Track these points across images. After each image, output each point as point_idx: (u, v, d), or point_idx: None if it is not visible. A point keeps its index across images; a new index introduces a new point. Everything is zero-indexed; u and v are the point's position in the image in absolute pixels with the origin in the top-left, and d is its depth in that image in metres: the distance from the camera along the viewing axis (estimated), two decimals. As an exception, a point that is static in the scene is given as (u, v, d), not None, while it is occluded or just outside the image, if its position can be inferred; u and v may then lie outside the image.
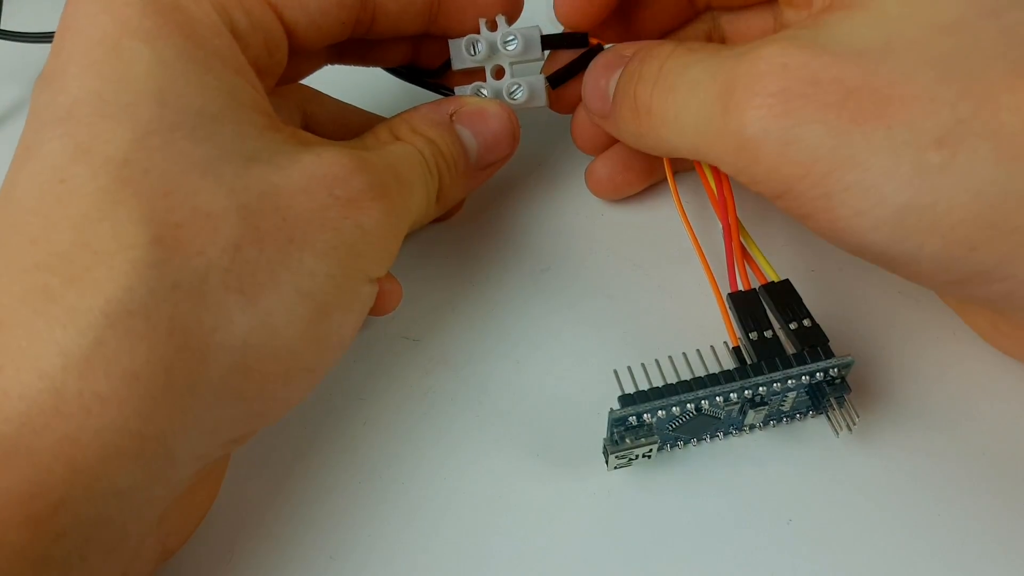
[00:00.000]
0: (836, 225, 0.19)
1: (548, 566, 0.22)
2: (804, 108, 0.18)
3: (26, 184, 0.17)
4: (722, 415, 0.22)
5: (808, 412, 0.23)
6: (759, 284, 0.23)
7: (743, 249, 0.23)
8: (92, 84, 0.18)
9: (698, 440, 0.23)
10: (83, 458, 0.16)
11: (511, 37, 0.25)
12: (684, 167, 0.27)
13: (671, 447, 0.23)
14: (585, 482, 0.23)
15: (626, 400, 0.21)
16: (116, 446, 0.16)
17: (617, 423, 0.21)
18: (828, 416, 0.22)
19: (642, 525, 0.22)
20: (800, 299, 0.22)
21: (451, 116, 0.24)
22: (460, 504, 0.23)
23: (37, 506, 0.16)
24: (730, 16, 0.26)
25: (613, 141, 0.27)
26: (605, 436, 0.21)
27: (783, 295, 0.22)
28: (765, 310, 0.22)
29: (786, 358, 0.21)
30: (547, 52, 0.26)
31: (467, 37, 0.25)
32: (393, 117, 0.24)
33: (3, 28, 0.32)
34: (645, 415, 0.21)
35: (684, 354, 0.22)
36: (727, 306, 0.22)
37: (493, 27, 0.25)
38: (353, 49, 0.26)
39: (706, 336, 0.23)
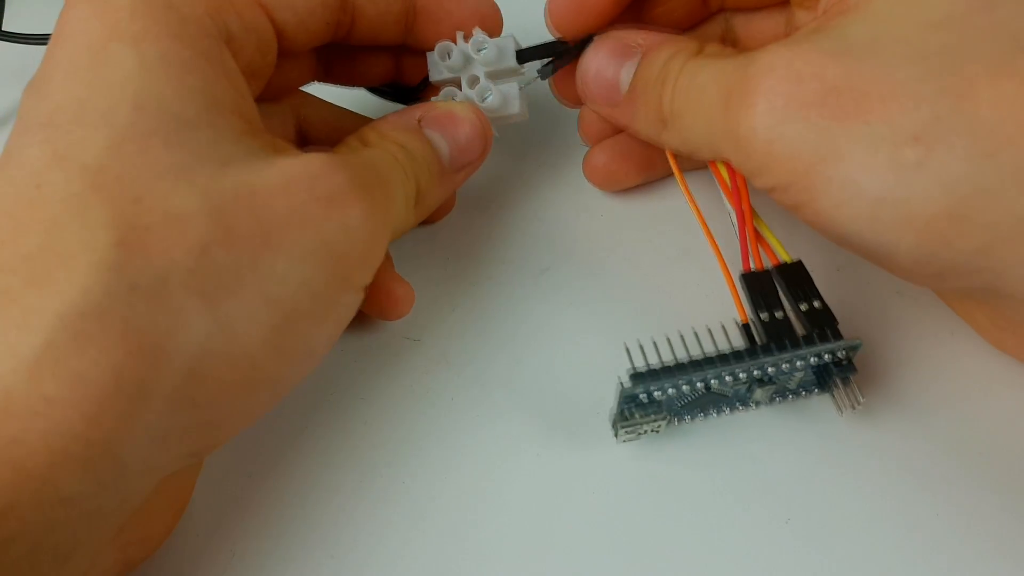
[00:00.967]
0: (820, 216, 0.20)
1: (548, 566, 0.22)
2: (787, 106, 0.19)
3: (3, 188, 0.17)
4: (730, 392, 0.22)
5: (813, 389, 0.23)
6: (772, 265, 0.23)
7: (756, 233, 0.23)
8: (74, 90, 0.18)
9: (704, 415, 0.23)
10: (30, 462, 0.15)
11: (484, 45, 0.25)
12: (688, 164, 0.27)
13: (678, 421, 0.23)
14: (586, 482, 0.23)
15: (636, 377, 0.21)
16: (63, 450, 0.16)
17: (628, 399, 0.21)
18: (833, 395, 0.23)
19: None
20: (811, 280, 0.22)
21: (419, 121, 0.24)
22: (461, 503, 0.23)
23: None
24: (743, 17, 0.26)
25: (620, 133, 0.27)
26: (614, 410, 0.22)
27: (795, 276, 0.22)
28: (777, 290, 0.22)
29: (796, 339, 0.21)
30: (526, 66, 0.26)
31: (442, 44, 0.25)
32: (362, 127, 0.24)
33: (4, 30, 0.31)
34: (655, 392, 0.21)
35: (695, 331, 0.22)
36: (738, 287, 0.23)
37: (469, 38, 0.25)
38: (338, 66, 0.26)
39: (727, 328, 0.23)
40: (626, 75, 0.23)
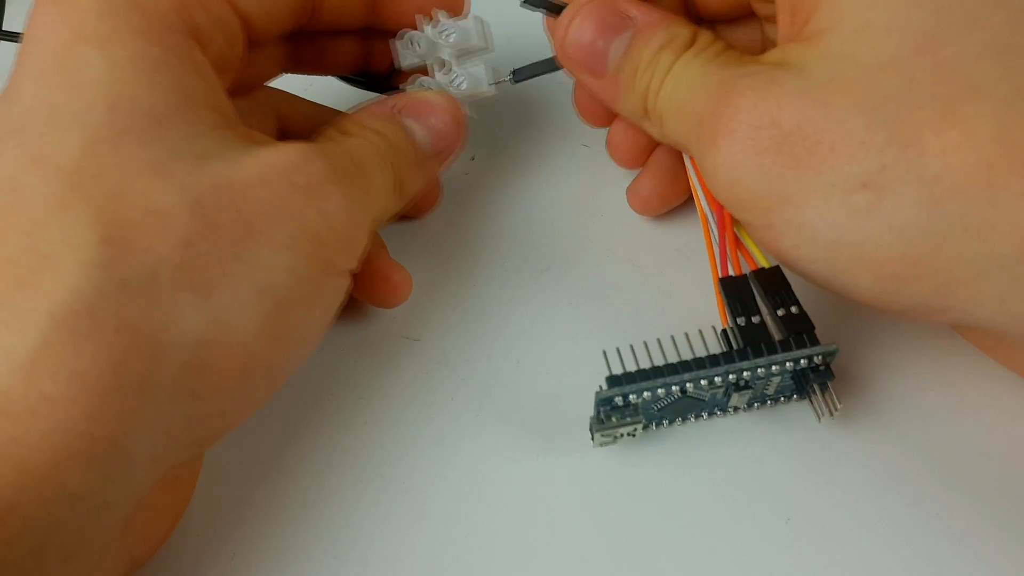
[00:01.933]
0: (781, 256, 0.21)
1: (549, 565, 0.22)
2: (745, 151, 0.19)
3: None
4: (707, 397, 0.22)
5: (792, 396, 0.23)
6: (750, 270, 0.23)
7: (736, 238, 0.23)
8: (45, 94, 0.18)
9: (683, 420, 0.23)
10: (32, 461, 0.16)
11: (449, 30, 0.25)
12: None
13: (656, 426, 0.23)
14: (586, 481, 0.23)
15: (613, 381, 0.21)
16: (66, 448, 0.16)
17: (604, 403, 0.21)
18: (811, 401, 0.23)
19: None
20: (789, 286, 0.22)
21: (396, 110, 0.24)
22: (461, 503, 0.23)
23: None
24: (722, 29, 0.26)
25: (657, 153, 0.27)
26: (592, 414, 0.22)
27: (773, 281, 0.22)
28: (754, 296, 0.22)
29: (772, 344, 0.21)
30: (491, 40, 0.26)
31: (406, 34, 0.25)
32: (339, 118, 0.24)
33: (4, 30, 0.31)
34: (631, 396, 0.21)
35: (672, 337, 0.23)
36: (719, 291, 0.23)
37: (433, 21, 0.25)
38: (308, 55, 0.27)
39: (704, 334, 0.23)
40: (615, 51, 0.23)
